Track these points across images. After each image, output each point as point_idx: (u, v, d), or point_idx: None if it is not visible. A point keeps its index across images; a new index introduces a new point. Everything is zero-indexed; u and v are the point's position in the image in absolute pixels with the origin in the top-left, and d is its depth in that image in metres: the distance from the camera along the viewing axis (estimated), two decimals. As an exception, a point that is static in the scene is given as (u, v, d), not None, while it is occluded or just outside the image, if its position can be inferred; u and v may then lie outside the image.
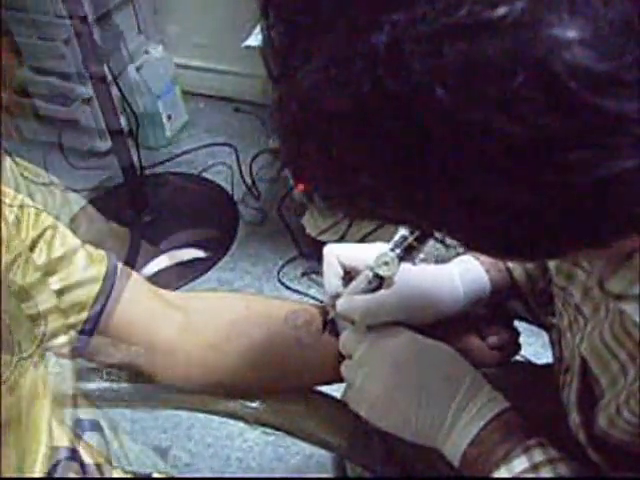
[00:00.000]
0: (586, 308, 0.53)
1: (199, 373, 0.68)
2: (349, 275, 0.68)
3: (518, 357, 0.84)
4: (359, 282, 0.65)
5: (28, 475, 0.50)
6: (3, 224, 0.54)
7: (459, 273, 0.66)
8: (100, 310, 0.63)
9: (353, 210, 0.39)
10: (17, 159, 0.62)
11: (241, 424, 1.45)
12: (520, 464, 0.54)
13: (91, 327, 0.63)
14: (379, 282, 0.65)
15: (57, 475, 0.54)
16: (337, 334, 0.68)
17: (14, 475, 0.49)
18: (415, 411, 0.59)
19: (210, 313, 0.71)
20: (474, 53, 0.28)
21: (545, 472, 0.53)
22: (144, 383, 0.72)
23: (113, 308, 0.64)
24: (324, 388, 0.73)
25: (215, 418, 1.48)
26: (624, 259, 0.44)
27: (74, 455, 0.57)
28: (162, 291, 0.71)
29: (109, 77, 1.67)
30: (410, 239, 0.63)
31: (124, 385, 0.75)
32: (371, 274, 0.64)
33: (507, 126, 0.29)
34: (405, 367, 0.61)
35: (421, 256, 0.65)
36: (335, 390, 0.68)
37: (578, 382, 0.56)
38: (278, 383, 0.72)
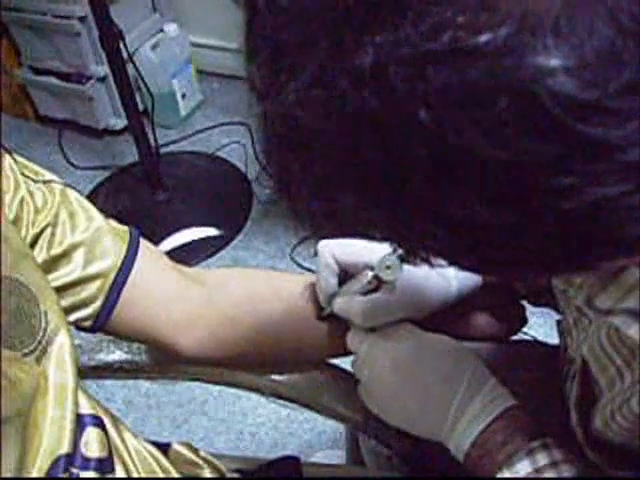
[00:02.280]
0: (588, 311, 0.53)
1: (217, 346, 0.69)
2: (344, 272, 0.67)
3: (528, 337, 0.85)
4: (357, 282, 0.65)
5: (28, 473, 0.50)
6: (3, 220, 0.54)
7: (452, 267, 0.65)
8: (121, 284, 0.64)
9: (335, 227, 0.39)
10: (16, 157, 0.61)
11: (255, 400, 1.48)
12: (523, 468, 0.53)
13: (112, 301, 0.65)
14: (378, 283, 0.64)
15: (79, 437, 0.56)
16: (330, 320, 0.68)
17: (13, 473, 0.49)
18: (417, 412, 0.60)
19: (228, 287, 0.72)
20: (457, 78, 0.28)
21: (548, 476, 0.53)
22: (163, 355, 0.74)
23: (133, 282, 0.65)
24: (338, 361, 0.74)
25: (229, 393, 1.51)
26: (612, 276, 0.44)
27: (98, 422, 0.58)
28: (181, 266, 0.72)
29: (125, 55, 1.67)
30: None
31: (144, 357, 0.77)
32: (370, 275, 0.64)
33: (490, 151, 0.29)
34: (405, 367, 0.61)
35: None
36: (348, 363, 0.69)
37: (578, 381, 0.56)
38: (294, 356, 0.73)
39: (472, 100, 0.28)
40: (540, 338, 0.90)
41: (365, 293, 0.65)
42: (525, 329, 0.75)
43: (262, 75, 0.34)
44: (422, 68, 0.28)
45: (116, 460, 0.59)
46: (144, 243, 0.68)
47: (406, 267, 0.64)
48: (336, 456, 1.33)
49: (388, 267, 0.62)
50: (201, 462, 0.70)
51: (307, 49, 0.31)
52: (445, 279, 0.65)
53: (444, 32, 0.28)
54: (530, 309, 0.74)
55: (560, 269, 0.36)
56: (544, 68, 0.27)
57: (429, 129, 0.29)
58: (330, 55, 0.30)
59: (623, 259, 0.34)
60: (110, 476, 0.57)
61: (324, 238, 0.66)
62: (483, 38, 0.27)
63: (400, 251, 0.62)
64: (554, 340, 0.70)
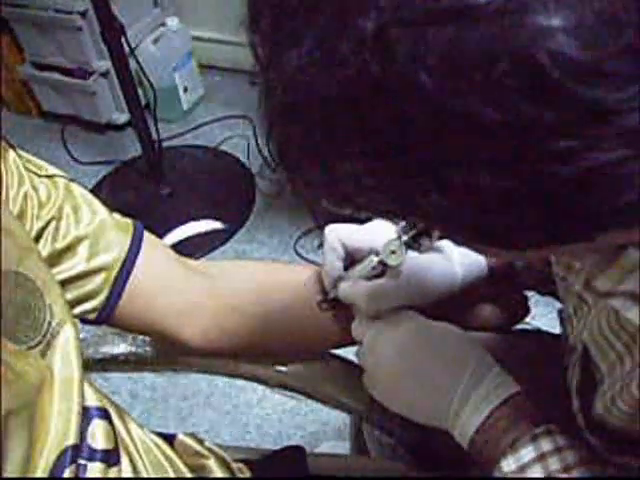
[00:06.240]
0: (588, 297, 0.53)
1: (221, 336, 0.70)
2: (351, 257, 0.67)
3: (531, 327, 0.85)
4: (363, 267, 0.65)
5: (35, 464, 0.51)
6: (7, 216, 0.55)
7: (457, 254, 0.66)
8: (125, 276, 0.65)
9: (334, 198, 0.39)
10: (20, 152, 0.62)
11: (259, 392, 1.49)
12: (527, 454, 0.54)
13: (117, 293, 0.65)
14: (383, 268, 0.64)
15: (86, 429, 0.56)
16: (334, 307, 0.69)
17: (21, 464, 0.50)
18: (421, 400, 0.60)
19: (232, 278, 0.72)
20: (458, 39, 0.28)
21: (552, 462, 0.53)
22: (168, 347, 0.74)
23: (137, 274, 0.66)
24: (343, 351, 0.75)
25: (234, 386, 1.52)
26: (611, 258, 0.44)
27: (104, 414, 0.59)
28: (184, 258, 0.72)
29: (126, 50, 1.67)
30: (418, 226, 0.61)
31: (148, 349, 0.77)
32: (375, 260, 0.64)
33: (490, 113, 0.29)
34: (410, 355, 0.61)
35: (428, 243, 0.64)
36: (352, 353, 0.69)
37: (579, 367, 0.56)
38: (298, 346, 0.73)
39: (472, 63, 0.28)
40: (543, 328, 0.90)
41: (370, 278, 0.65)
42: (528, 319, 0.75)
43: (264, 43, 0.35)
44: (423, 30, 0.29)
45: (122, 452, 0.60)
46: (148, 236, 0.68)
47: (411, 254, 0.64)
48: (340, 447, 1.34)
49: (393, 252, 0.63)
50: (206, 452, 0.71)
51: (309, 14, 0.31)
52: (450, 266, 0.66)
53: None
54: (534, 299, 0.75)
55: (558, 239, 0.36)
56: (544, 28, 0.27)
57: (429, 92, 0.29)
58: (332, 20, 0.31)
59: (622, 232, 0.35)
60: (116, 468, 0.58)
61: (325, 217, 0.66)
62: None
63: (405, 237, 0.62)
64: (557, 330, 0.71)
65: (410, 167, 0.33)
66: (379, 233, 0.65)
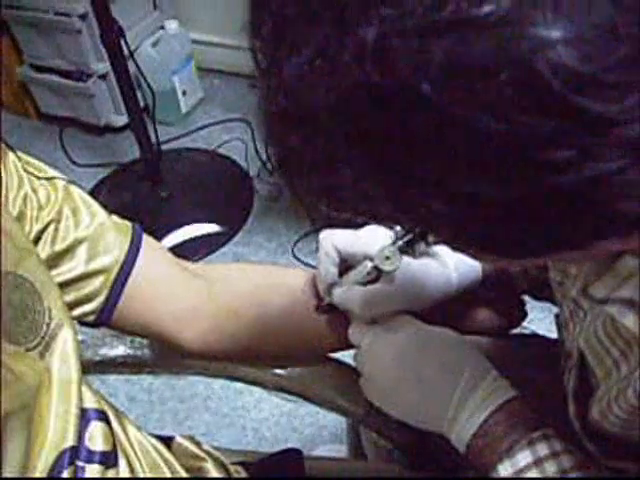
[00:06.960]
0: (584, 302, 0.53)
1: (220, 339, 0.70)
2: (345, 262, 0.68)
3: (528, 331, 0.86)
4: (357, 273, 0.65)
5: (34, 466, 0.51)
6: (5, 219, 0.55)
7: (452, 259, 0.66)
8: (124, 279, 0.65)
9: (334, 205, 0.39)
10: (20, 154, 0.62)
11: (257, 395, 1.49)
12: (524, 458, 0.54)
13: (116, 295, 0.65)
14: (377, 274, 0.65)
15: (84, 431, 0.56)
16: (330, 312, 0.69)
17: (19, 466, 0.50)
18: (418, 403, 0.60)
19: (230, 281, 0.72)
20: (459, 50, 0.28)
21: (549, 466, 0.53)
22: (166, 350, 0.74)
23: (136, 277, 0.66)
24: (340, 355, 0.75)
25: (232, 389, 1.52)
26: (607, 265, 0.44)
27: (103, 416, 0.59)
28: (183, 261, 0.73)
29: (125, 53, 1.67)
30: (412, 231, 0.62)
31: (146, 352, 0.77)
32: (370, 266, 0.64)
33: (490, 124, 0.29)
34: (407, 360, 0.62)
35: (422, 248, 0.65)
36: (349, 356, 0.69)
37: (576, 372, 0.57)
38: (296, 349, 0.73)
39: (473, 73, 0.29)
40: (540, 332, 0.90)
41: (365, 284, 0.65)
42: (525, 323, 0.76)
43: (265, 49, 0.35)
44: (425, 40, 0.29)
45: (120, 453, 0.60)
46: (146, 238, 0.69)
47: (406, 259, 0.64)
48: (337, 450, 1.34)
49: (387, 258, 0.63)
50: (204, 455, 0.71)
51: (311, 22, 0.31)
52: (445, 271, 0.66)
53: (447, 4, 0.28)
54: (530, 304, 0.75)
55: (556, 247, 0.36)
56: (544, 40, 0.28)
57: (430, 102, 0.29)
58: (333, 28, 0.31)
59: (618, 240, 0.35)
60: (114, 470, 0.58)
61: (323, 223, 0.66)
62: (484, 9, 0.28)
63: (400, 242, 0.62)
64: (554, 334, 0.71)
65: (410, 175, 0.33)
66: (374, 239, 0.65)
